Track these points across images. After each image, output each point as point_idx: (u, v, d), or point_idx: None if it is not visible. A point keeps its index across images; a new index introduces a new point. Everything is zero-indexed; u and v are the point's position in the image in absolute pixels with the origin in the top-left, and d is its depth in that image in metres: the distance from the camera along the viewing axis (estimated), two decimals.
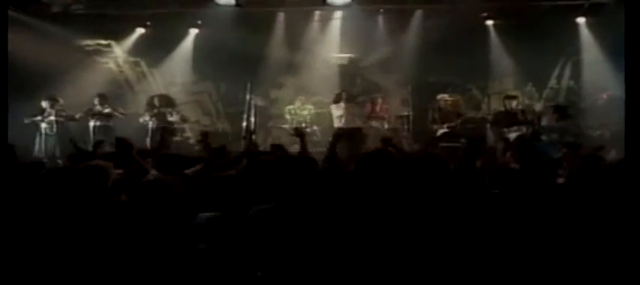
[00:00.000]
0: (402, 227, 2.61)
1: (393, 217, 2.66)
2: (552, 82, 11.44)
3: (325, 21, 11.21)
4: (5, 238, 2.64)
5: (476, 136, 9.33)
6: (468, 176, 3.28)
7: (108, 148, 5.88)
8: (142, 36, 11.45)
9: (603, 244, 2.65)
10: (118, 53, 11.95)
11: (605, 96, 10.53)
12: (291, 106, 11.01)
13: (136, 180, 3.25)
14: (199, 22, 11.26)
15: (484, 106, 11.55)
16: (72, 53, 11.24)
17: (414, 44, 10.95)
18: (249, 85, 9.89)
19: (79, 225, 2.72)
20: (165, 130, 10.12)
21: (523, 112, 9.52)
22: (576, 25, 10.73)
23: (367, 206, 2.84)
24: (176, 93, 11.59)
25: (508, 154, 6.09)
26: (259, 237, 2.77)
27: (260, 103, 10.47)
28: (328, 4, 10.53)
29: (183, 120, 10.82)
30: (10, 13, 8.51)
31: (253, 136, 9.34)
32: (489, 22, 10.95)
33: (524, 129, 9.00)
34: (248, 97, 9.86)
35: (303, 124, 10.07)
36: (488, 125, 9.95)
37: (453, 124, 9.77)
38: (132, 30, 11.44)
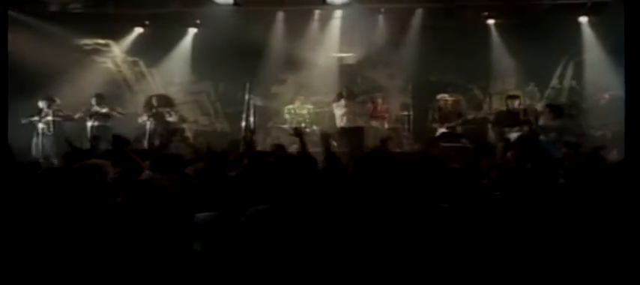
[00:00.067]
0: (402, 227, 2.61)
1: (392, 217, 2.66)
2: (554, 81, 11.40)
3: (325, 20, 11.15)
4: (4, 239, 2.63)
5: (477, 137, 9.35)
6: (472, 177, 3.28)
7: (105, 148, 5.85)
8: (140, 35, 11.43)
9: (603, 243, 2.65)
10: (117, 53, 11.93)
11: (607, 96, 10.51)
12: (290, 106, 10.98)
13: (132, 179, 3.24)
14: (198, 21, 11.24)
15: (485, 106, 11.52)
16: (70, 53, 11.18)
17: (414, 43, 10.88)
18: (248, 85, 9.85)
19: (76, 225, 2.71)
20: (168, 132, 10.06)
21: (525, 111, 9.50)
22: (578, 24, 10.67)
23: (367, 206, 2.83)
24: (175, 93, 11.57)
25: (508, 154, 6.06)
26: (256, 237, 2.77)
27: (259, 102, 10.44)
28: (328, 4, 10.45)
29: (182, 120, 10.78)
30: (8, 12, 8.45)
31: (253, 136, 9.31)
32: (491, 22, 10.90)
33: (525, 129, 8.98)
34: (247, 97, 9.82)
35: (303, 124, 10.06)
36: (489, 125, 9.93)
37: (453, 124, 9.76)
38: (130, 29, 11.41)
